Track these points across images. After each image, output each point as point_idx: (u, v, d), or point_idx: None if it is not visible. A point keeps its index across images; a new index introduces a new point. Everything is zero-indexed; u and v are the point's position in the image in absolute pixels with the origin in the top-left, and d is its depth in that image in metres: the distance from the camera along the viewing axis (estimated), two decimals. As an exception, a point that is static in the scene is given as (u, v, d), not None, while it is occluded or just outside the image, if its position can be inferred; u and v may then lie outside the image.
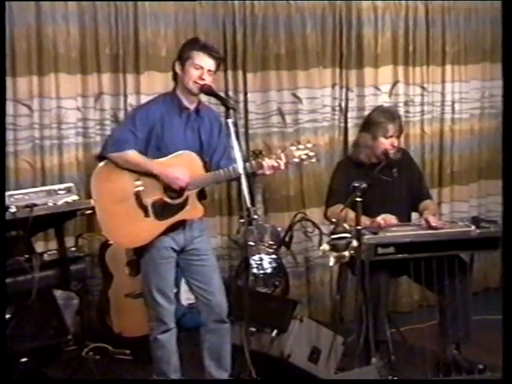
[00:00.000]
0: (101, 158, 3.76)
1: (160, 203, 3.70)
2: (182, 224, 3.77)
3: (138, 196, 3.69)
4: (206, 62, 3.67)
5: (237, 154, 3.45)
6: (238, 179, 3.47)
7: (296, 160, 3.74)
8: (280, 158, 3.68)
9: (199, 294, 3.85)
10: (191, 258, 3.84)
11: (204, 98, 3.90)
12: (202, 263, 3.85)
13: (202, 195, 3.81)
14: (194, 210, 3.76)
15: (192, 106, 3.75)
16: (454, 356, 4.23)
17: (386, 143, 4.34)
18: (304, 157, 3.74)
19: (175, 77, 3.75)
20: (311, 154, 3.76)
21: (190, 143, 3.73)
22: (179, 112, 3.73)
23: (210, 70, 3.68)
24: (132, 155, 3.65)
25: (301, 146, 3.75)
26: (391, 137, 4.34)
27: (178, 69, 3.71)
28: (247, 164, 3.67)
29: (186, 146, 3.71)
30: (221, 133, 3.78)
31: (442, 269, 4.11)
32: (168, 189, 3.71)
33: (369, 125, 4.46)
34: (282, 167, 3.71)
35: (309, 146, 3.76)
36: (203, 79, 3.65)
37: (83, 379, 4.24)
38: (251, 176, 3.77)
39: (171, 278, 3.83)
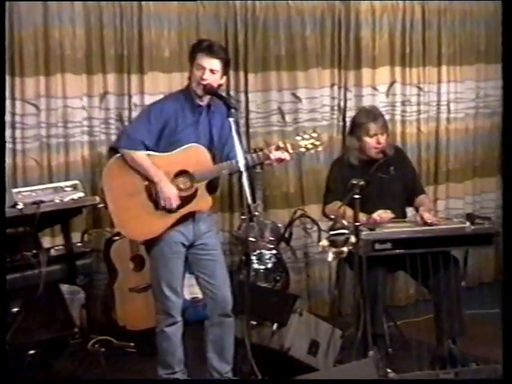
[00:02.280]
0: (112, 149, 3.84)
1: None
2: (191, 216, 3.82)
3: (148, 189, 3.76)
4: (208, 62, 3.72)
5: (238, 151, 3.53)
6: (240, 176, 3.55)
7: (302, 150, 3.81)
8: (286, 150, 3.75)
9: (205, 288, 3.90)
10: (200, 253, 3.89)
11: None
12: (210, 258, 3.90)
13: (212, 188, 3.86)
14: (202, 202, 3.80)
15: (204, 103, 3.81)
16: (450, 350, 4.27)
17: (371, 142, 4.40)
18: (310, 146, 3.82)
19: (189, 77, 3.82)
20: (317, 143, 3.83)
21: (202, 138, 3.80)
22: (192, 109, 3.80)
23: (212, 70, 3.72)
24: (139, 157, 3.73)
25: (306, 136, 3.82)
26: (375, 135, 4.40)
27: (189, 71, 3.81)
28: (254, 155, 3.76)
29: (198, 141, 3.78)
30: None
31: (436, 264, 4.19)
32: (177, 181, 3.77)
33: (353, 127, 4.54)
34: (288, 158, 3.79)
35: (314, 135, 3.83)
36: (204, 79, 3.71)
37: (86, 380, 4.30)
38: (253, 172, 3.84)
39: (180, 272, 3.87)
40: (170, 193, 3.73)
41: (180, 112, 3.78)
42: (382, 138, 4.43)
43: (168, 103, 3.85)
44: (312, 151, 3.86)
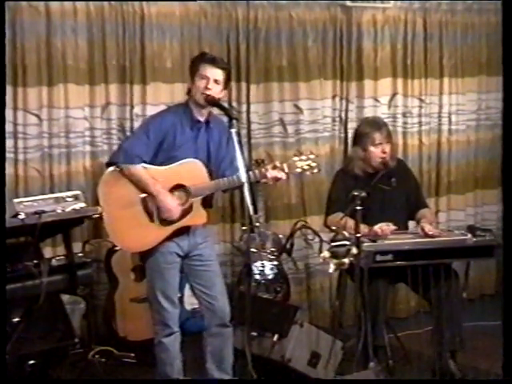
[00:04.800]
0: (110, 164, 3.85)
1: None
2: (186, 230, 3.84)
3: (144, 202, 3.78)
4: (211, 72, 3.76)
5: (239, 162, 3.55)
6: (241, 187, 3.58)
7: (298, 170, 3.83)
8: (283, 169, 3.78)
9: (202, 299, 3.92)
10: (195, 264, 3.91)
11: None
12: (206, 268, 3.91)
13: (207, 203, 3.88)
14: (197, 217, 3.83)
15: (203, 118, 3.84)
16: (448, 365, 4.27)
17: (376, 151, 4.42)
18: (306, 167, 3.84)
19: (188, 91, 3.85)
20: (313, 164, 3.85)
21: (199, 153, 3.82)
22: (191, 124, 3.82)
23: (216, 80, 3.76)
24: (138, 171, 3.75)
25: (303, 157, 3.85)
26: (380, 144, 4.42)
27: (189, 83, 3.83)
28: (251, 173, 3.76)
29: (195, 156, 3.80)
30: (229, 143, 3.79)
31: (437, 277, 4.20)
32: (173, 195, 3.78)
33: (357, 138, 4.56)
34: (284, 177, 3.82)
35: (311, 156, 3.86)
36: (209, 88, 3.74)
37: (89, 379, 4.32)
38: (254, 184, 3.87)
39: (176, 282, 3.89)
40: (171, 204, 3.75)
41: (178, 126, 3.80)
42: (387, 148, 4.45)
43: (167, 117, 3.86)
44: (308, 172, 3.89)
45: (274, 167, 3.79)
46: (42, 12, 4.66)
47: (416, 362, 4.39)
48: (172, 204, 3.75)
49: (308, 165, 3.84)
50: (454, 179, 5.98)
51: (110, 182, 3.82)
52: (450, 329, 4.26)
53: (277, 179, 3.81)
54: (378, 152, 4.43)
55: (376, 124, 4.55)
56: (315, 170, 3.89)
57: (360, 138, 4.52)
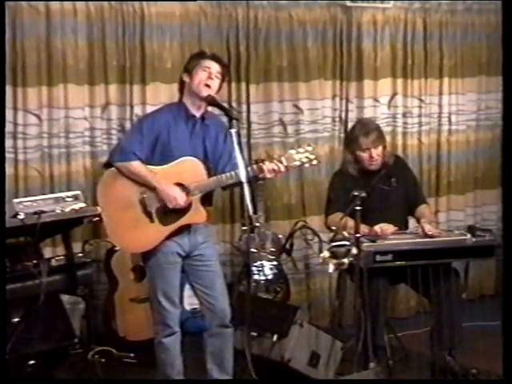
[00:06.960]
0: (108, 165, 3.85)
1: (164, 209, 3.76)
2: (186, 228, 3.83)
3: (142, 203, 3.77)
4: (213, 65, 3.77)
5: (239, 162, 3.53)
6: (241, 187, 3.55)
7: (297, 163, 3.79)
8: (280, 162, 3.74)
9: (203, 299, 3.91)
10: (196, 264, 3.89)
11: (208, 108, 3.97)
12: (207, 269, 3.90)
13: (207, 201, 3.86)
14: (197, 215, 3.81)
15: (198, 114, 3.82)
16: (447, 362, 4.27)
17: (364, 155, 4.40)
18: (305, 160, 3.79)
19: (181, 88, 3.84)
20: (312, 156, 3.80)
21: (195, 150, 3.80)
22: (185, 120, 3.81)
23: (218, 72, 3.77)
24: (136, 166, 3.74)
25: (301, 150, 3.80)
26: (368, 149, 4.39)
27: (185, 78, 3.81)
28: (248, 168, 3.72)
29: (191, 153, 3.78)
30: (226, 140, 3.78)
31: (437, 276, 4.20)
32: None
33: (347, 141, 4.58)
34: (283, 170, 3.76)
35: (309, 149, 3.81)
36: (211, 79, 3.74)
37: (89, 379, 4.31)
38: (253, 180, 3.83)
39: (176, 282, 3.88)
40: (174, 192, 3.73)
41: (172, 123, 3.79)
42: (375, 152, 4.40)
43: (160, 115, 3.86)
44: (306, 165, 3.83)
45: (272, 161, 3.75)
46: (42, 12, 4.67)
47: (416, 362, 4.39)
48: (174, 192, 3.73)
49: (306, 157, 3.79)
50: (454, 179, 5.97)
51: (109, 183, 3.82)
52: (448, 328, 4.26)
53: (274, 170, 3.73)
54: (366, 156, 4.41)
55: (365, 128, 4.47)
56: (314, 162, 3.83)
57: (349, 141, 4.53)
